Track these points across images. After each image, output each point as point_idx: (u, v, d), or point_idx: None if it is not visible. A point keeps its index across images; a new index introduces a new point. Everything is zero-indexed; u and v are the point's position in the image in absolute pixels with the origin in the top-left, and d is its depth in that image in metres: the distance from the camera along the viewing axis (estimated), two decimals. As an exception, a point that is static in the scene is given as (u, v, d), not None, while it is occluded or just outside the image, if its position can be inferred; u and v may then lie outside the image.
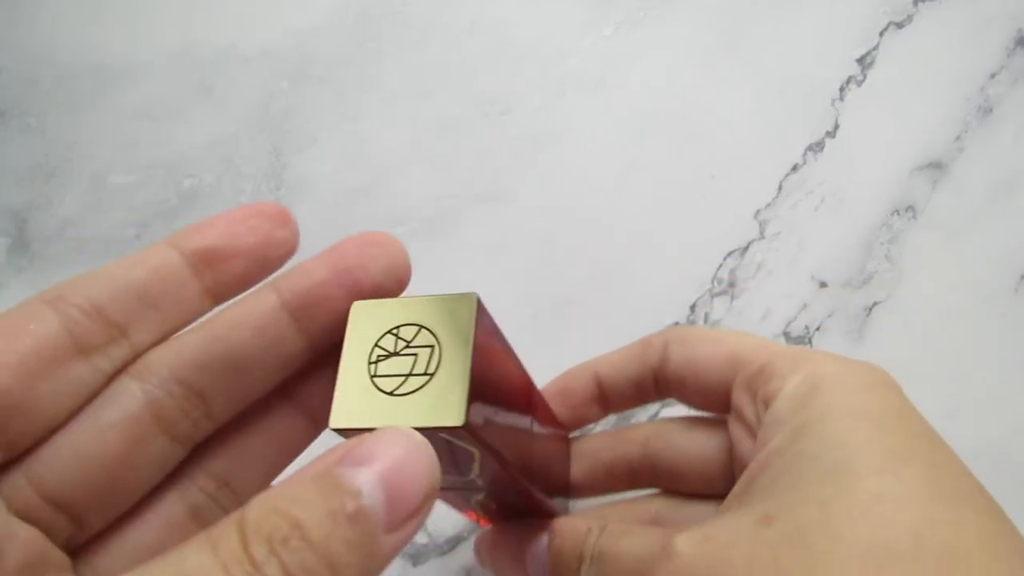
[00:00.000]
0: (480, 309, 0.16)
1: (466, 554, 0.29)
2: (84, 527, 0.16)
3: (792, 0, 0.37)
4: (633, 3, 0.38)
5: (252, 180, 0.35)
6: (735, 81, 0.36)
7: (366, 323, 0.17)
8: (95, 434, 0.16)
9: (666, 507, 0.23)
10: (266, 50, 0.37)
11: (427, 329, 0.16)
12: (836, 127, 0.35)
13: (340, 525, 0.12)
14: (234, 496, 0.18)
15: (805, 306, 0.33)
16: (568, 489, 0.25)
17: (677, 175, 0.35)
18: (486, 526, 0.25)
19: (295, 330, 0.17)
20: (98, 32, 0.37)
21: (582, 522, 0.21)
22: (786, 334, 0.32)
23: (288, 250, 0.18)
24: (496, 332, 0.18)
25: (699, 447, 0.23)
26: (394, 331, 0.17)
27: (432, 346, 0.16)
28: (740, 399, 0.21)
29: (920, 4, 0.37)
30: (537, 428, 0.22)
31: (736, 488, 0.19)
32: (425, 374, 0.16)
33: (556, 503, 0.23)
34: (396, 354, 0.16)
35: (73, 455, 0.15)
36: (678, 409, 0.24)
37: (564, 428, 0.25)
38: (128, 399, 0.16)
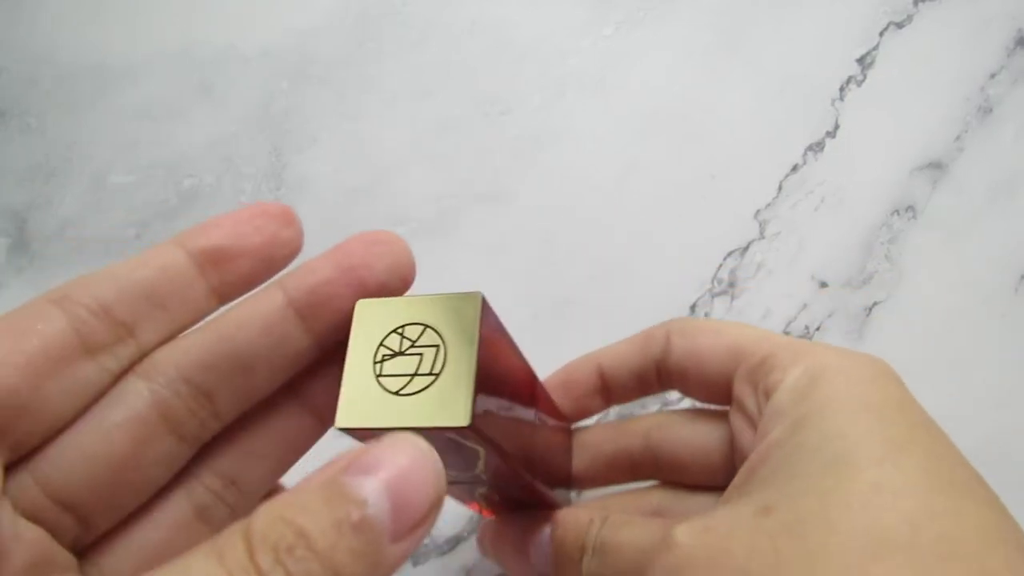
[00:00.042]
0: (485, 308, 0.17)
1: (466, 554, 0.29)
2: (91, 527, 0.16)
3: (792, 0, 0.38)
4: (633, 3, 0.38)
5: (252, 180, 0.35)
6: (735, 81, 0.36)
7: (371, 322, 0.17)
8: (102, 434, 0.16)
9: (667, 499, 0.23)
10: (266, 50, 0.37)
11: (432, 328, 0.16)
12: (836, 127, 0.35)
13: (345, 535, 0.12)
14: (241, 495, 0.18)
15: (805, 306, 0.33)
16: (570, 481, 0.25)
17: (677, 175, 0.35)
18: (489, 517, 0.26)
19: (301, 328, 0.17)
20: (98, 32, 0.37)
21: (585, 513, 0.21)
22: (786, 334, 0.32)
23: (293, 250, 0.18)
24: (500, 329, 0.18)
25: (700, 439, 0.23)
26: (399, 330, 0.17)
27: (437, 345, 0.16)
28: (741, 390, 0.21)
29: (920, 4, 0.37)
30: (540, 422, 0.22)
31: (736, 479, 0.19)
32: (431, 374, 0.16)
33: (558, 495, 0.23)
34: (401, 353, 0.16)
35: (80, 455, 0.15)
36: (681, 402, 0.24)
37: (566, 420, 0.25)
38: (135, 399, 0.16)
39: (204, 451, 0.17)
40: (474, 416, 0.15)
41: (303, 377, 0.18)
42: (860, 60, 0.36)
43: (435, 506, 0.13)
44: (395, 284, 0.18)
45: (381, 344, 0.17)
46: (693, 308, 0.33)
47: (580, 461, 0.25)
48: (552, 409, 0.24)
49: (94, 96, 0.36)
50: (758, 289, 0.33)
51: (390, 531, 0.12)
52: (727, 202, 0.34)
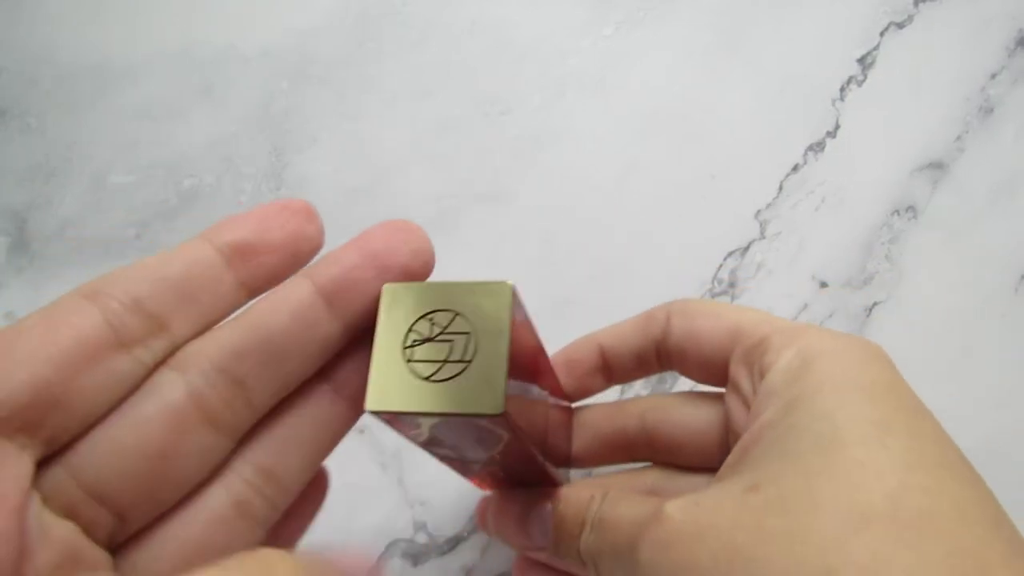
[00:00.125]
0: (515, 298, 0.17)
1: (466, 554, 0.29)
2: (127, 522, 0.16)
3: (792, 0, 0.37)
4: (633, 3, 0.38)
5: (252, 180, 0.35)
6: (735, 81, 0.36)
7: (399, 306, 0.17)
8: (136, 425, 0.16)
9: (662, 478, 0.24)
10: (266, 50, 0.37)
11: (462, 316, 0.17)
12: (837, 127, 0.35)
13: None
14: (280, 488, 0.18)
15: (805, 306, 0.33)
16: (569, 459, 0.26)
17: (677, 175, 0.35)
18: (487, 491, 0.26)
19: (330, 314, 0.17)
20: (98, 32, 0.37)
21: (586, 490, 0.21)
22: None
23: (316, 245, 0.18)
24: (526, 316, 0.18)
25: (696, 421, 0.23)
26: (429, 316, 0.17)
27: (468, 333, 0.16)
28: (737, 372, 0.21)
29: (920, 4, 0.37)
30: (553, 403, 0.22)
31: (729, 459, 0.19)
32: (462, 361, 0.16)
33: (558, 473, 0.24)
34: (432, 339, 0.17)
35: (114, 447, 0.15)
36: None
37: (568, 399, 0.26)
38: (169, 390, 0.16)
39: (241, 443, 0.17)
40: (506, 404, 0.15)
41: (334, 363, 0.18)
42: (860, 60, 0.36)
43: None
44: (418, 267, 0.18)
45: (411, 329, 0.17)
46: (693, 308, 0.33)
47: (578, 440, 0.25)
48: (558, 389, 0.24)
49: (94, 96, 0.36)
50: (758, 289, 0.33)
51: None
52: (727, 202, 0.34)
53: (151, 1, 0.38)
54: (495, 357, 0.16)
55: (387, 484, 0.30)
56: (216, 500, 0.17)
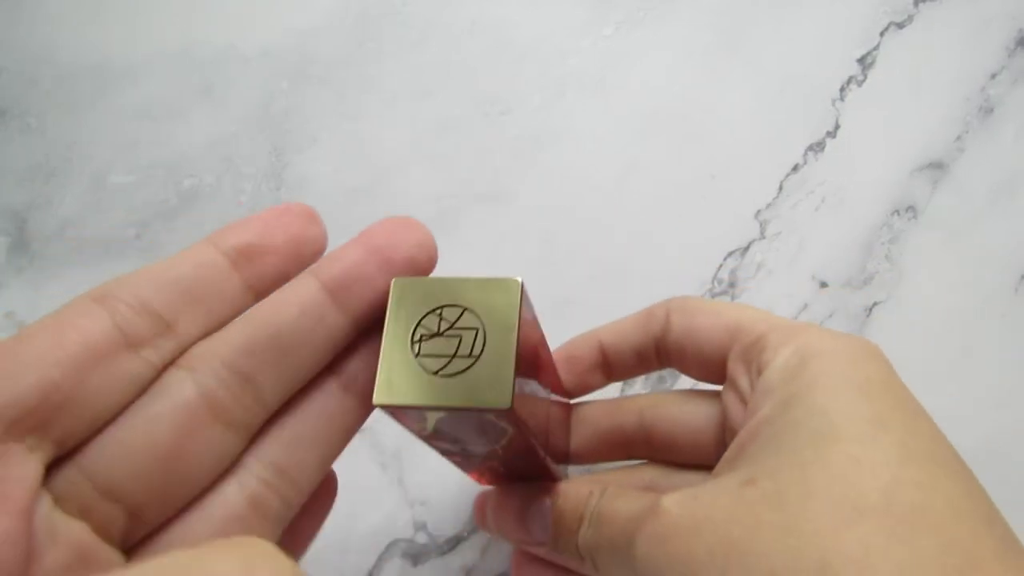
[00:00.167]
0: (523, 294, 0.17)
1: (466, 554, 0.29)
2: (140, 521, 0.16)
3: (792, 0, 0.37)
4: (633, 3, 0.38)
5: (252, 180, 0.35)
6: (735, 81, 0.36)
7: (407, 301, 0.17)
8: (147, 424, 0.16)
9: (660, 475, 0.24)
10: (266, 50, 0.37)
11: (471, 311, 0.17)
12: (836, 127, 0.35)
13: None
14: (293, 485, 0.18)
15: (805, 306, 0.33)
16: (567, 455, 0.26)
17: (677, 175, 0.35)
18: (485, 486, 0.26)
19: (337, 309, 0.17)
20: (98, 32, 0.37)
21: (585, 486, 0.22)
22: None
23: (320, 246, 0.18)
24: (532, 313, 0.19)
25: (693, 418, 0.23)
26: (437, 311, 0.17)
27: (476, 328, 0.17)
28: (735, 369, 0.21)
29: (920, 4, 0.37)
30: (555, 399, 0.23)
31: (727, 455, 0.19)
32: (470, 356, 0.16)
33: (558, 468, 0.24)
34: (440, 334, 0.17)
35: (125, 446, 0.16)
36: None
37: (568, 395, 0.26)
38: (179, 388, 0.16)
39: (253, 441, 0.17)
40: (514, 399, 0.16)
41: (343, 358, 0.19)
42: (860, 60, 0.36)
43: None
44: (422, 261, 0.18)
45: (419, 324, 0.17)
46: (693, 308, 0.33)
47: (577, 436, 0.26)
48: (558, 385, 0.24)
49: (94, 96, 0.36)
50: (758, 289, 0.33)
51: None
52: (727, 202, 0.34)
53: (151, 1, 0.38)
54: (503, 352, 0.16)
55: (387, 484, 0.30)
56: (230, 498, 0.17)
